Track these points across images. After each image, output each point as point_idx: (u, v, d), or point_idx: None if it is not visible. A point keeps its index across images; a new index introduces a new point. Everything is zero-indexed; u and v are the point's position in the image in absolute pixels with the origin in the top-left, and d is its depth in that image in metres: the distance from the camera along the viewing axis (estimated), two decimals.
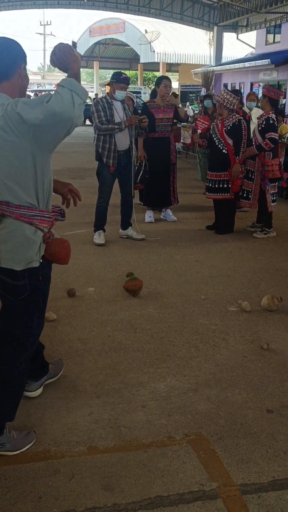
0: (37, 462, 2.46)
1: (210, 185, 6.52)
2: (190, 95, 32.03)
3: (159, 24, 31.20)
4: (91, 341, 3.64)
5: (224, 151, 6.31)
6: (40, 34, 62.61)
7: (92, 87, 46.37)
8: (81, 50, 40.53)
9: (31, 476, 2.37)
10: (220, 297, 4.44)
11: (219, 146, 6.36)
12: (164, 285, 4.71)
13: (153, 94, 6.91)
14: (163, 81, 6.67)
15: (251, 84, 22.99)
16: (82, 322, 3.95)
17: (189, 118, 8.29)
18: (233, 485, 2.32)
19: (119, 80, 5.76)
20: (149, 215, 7.13)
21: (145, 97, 32.40)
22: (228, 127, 6.28)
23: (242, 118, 6.44)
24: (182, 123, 15.63)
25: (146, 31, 30.48)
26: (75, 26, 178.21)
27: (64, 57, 2.27)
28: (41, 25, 60.38)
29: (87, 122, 29.27)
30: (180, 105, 6.75)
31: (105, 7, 26.33)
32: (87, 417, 2.80)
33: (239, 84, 23.81)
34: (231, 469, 2.42)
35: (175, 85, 43.10)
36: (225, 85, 25.51)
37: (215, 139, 6.42)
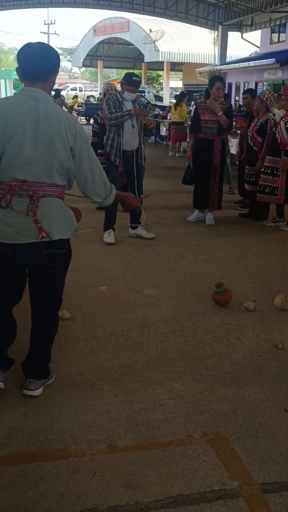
0: (57, 460, 2.47)
1: (245, 178, 7.17)
2: (194, 94, 32.03)
3: (164, 23, 31.21)
4: (105, 340, 3.65)
5: (254, 148, 6.90)
6: (44, 33, 62.55)
7: (96, 86, 46.39)
8: (85, 49, 40.66)
9: (52, 474, 2.38)
10: (232, 296, 4.44)
11: (250, 143, 6.97)
12: (176, 284, 4.72)
13: (207, 93, 6.82)
14: (216, 83, 6.52)
15: (256, 83, 22.98)
16: (95, 320, 3.96)
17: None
18: (254, 484, 2.32)
19: (129, 83, 5.73)
20: (194, 215, 7.06)
21: (149, 96, 32.45)
22: (258, 126, 6.78)
23: (271, 118, 6.69)
24: (188, 123, 15.66)
25: (150, 30, 30.47)
26: (79, 25, 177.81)
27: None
28: (45, 24, 60.23)
29: (92, 121, 29.32)
30: (219, 113, 6.52)
31: (109, 6, 26.35)
32: (105, 415, 2.81)
33: (244, 83, 23.83)
34: (251, 468, 2.43)
35: (178, 84, 43.13)
36: (230, 84, 25.52)
37: (249, 136, 6.99)
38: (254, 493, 2.27)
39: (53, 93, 21.58)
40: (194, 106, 7.16)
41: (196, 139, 6.73)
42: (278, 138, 6.37)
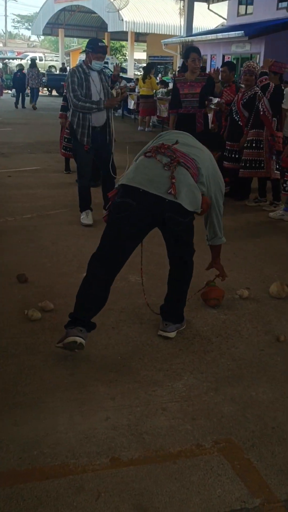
0: (56, 478, 2.20)
1: (226, 154, 6.72)
2: (159, 66, 31.38)
3: None
4: (95, 334, 3.33)
5: (239, 122, 6.61)
6: None
7: (57, 56, 44.97)
8: (46, 17, 39.14)
9: (52, 496, 2.11)
10: (223, 283, 4.21)
11: (236, 117, 6.65)
12: (163, 270, 4.41)
13: (183, 67, 6.54)
14: (191, 54, 6.26)
15: (223, 56, 22.59)
16: None
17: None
18: (277, 502, 2.12)
19: (95, 50, 5.29)
20: None
21: (112, 67, 31.60)
22: (245, 100, 6.48)
23: (259, 91, 6.32)
24: (158, 96, 15.23)
25: None
26: None
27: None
28: None
29: (54, 92, 28.35)
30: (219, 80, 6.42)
31: None
32: (104, 422, 2.55)
33: (211, 56, 23.40)
34: (271, 482, 2.22)
35: (142, 56, 42.18)
36: None
37: (233, 110, 6.63)
38: None
39: (28, 62, 20.34)
40: (173, 81, 6.84)
41: (178, 114, 6.45)
42: (261, 110, 6.18)
